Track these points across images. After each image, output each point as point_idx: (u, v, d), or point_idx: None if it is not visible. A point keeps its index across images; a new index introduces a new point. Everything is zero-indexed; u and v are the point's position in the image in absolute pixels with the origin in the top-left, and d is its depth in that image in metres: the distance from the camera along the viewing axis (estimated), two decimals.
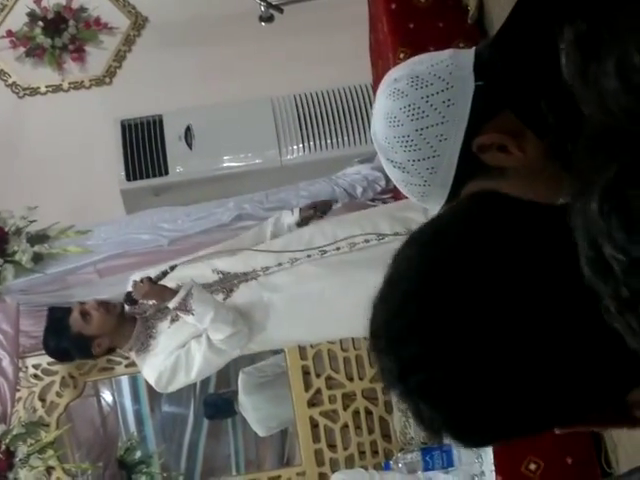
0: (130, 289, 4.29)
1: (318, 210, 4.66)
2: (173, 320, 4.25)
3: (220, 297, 4.28)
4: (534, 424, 1.09)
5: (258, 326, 4.29)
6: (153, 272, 4.29)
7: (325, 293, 4.26)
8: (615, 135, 0.90)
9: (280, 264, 4.30)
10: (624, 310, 0.89)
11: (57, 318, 4.31)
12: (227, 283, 4.31)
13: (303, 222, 4.54)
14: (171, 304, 4.14)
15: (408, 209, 4.30)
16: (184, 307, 4.12)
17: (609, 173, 0.88)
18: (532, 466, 4.07)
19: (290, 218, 4.56)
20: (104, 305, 4.26)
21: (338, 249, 4.29)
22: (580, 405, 1.07)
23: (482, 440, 1.17)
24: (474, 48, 1.66)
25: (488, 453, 4.17)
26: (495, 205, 1.15)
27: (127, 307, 4.37)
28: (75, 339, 4.30)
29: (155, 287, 4.18)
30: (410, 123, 1.62)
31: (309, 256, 4.29)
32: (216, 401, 6.56)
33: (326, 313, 4.28)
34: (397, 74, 1.67)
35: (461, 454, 4.42)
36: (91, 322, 4.24)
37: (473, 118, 1.60)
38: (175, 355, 4.22)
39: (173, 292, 4.14)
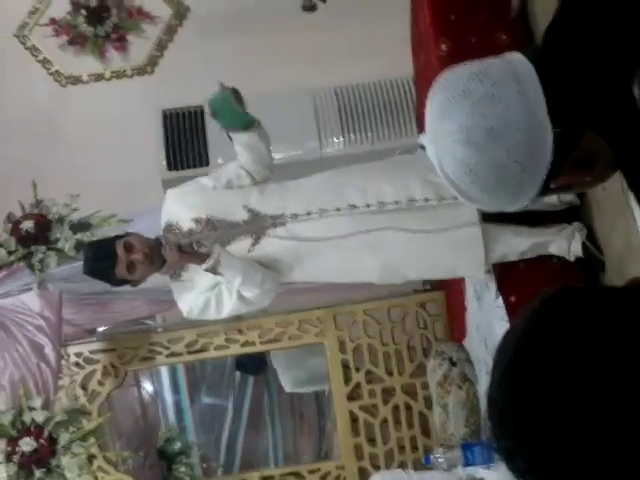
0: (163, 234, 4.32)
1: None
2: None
3: (249, 242, 4.28)
4: None
5: (284, 273, 4.34)
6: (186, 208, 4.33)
7: (351, 247, 4.27)
8: None
9: (309, 213, 4.30)
10: None
11: (102, 265, 4.23)
12: (255, 226, 4.30)
13: None
14: (200, 269, 4.17)
15: None
16: (214, 271, 4.17)
17: None
18: None
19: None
20: (149, 258, 4.21)
21: (368, 206, 4.29)
22: None
23: None
24: (536, 75, 1.62)
25: None
26: (567, 313, 1.17)
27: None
28: (118, 281, 4.32)
29: (183, 256, 4.21)
30: (490, 175, 1.62)
31: (338, 209, 4.29)
32: (248, 356, 6.57)
33: (351, 264, 4.33)
34: (464, 120, 1.63)
35: None
36: (135, 272, 4.23)
37: (552, 163, 1.62)
38: (206, 296, 4.29)
39: (202, 258, 4.18)
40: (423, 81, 5.25)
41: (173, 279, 4.37)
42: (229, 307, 4.29)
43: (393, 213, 4.27)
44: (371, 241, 4.26)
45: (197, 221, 4.28)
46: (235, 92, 4.28)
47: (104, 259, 4.24)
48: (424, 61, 5.35)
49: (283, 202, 4.33)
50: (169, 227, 4.36)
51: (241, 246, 4.29)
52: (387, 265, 4.33)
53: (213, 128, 6.15)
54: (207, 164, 6.10)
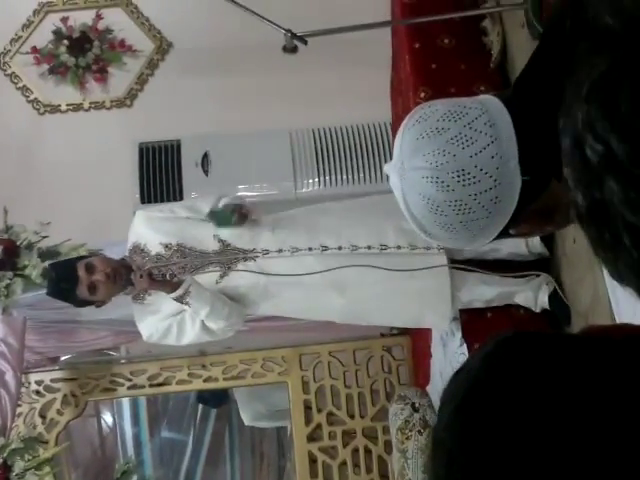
0: (129, 253, 4.32)
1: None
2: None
3: (217, 274, 4.29)
4: None
5: (251, 306, 4.38)
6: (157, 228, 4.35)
7: (319, 287, 4.30)
8: (611, 39, 0.93)
9: (280, 250, 4.32)
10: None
11: (64, 287, 4.23)
12: (225, 257, 4.31)
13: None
14: (170, 296, 4.17)
15: None
16: (182, 301, 4.16)
17: (600, 67, 0.91)
18: None
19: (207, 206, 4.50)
20: (112, 277, 4.19)
21: (340, 249, 4.31)
22: None
23: None
24: (510, 122, 1.64)
25: None
26: (522, 358, 1.16)
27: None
28: (81, 302, 4.30)
29: (154, 283, 4.20)
30: (455, 216, 1.63)
31: (310, 249, 4.31)
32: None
33: (318, 303, 4.37)
34: (435, 157, 1.63)
35: None
36: (97, 293, 4.21)
37: (517, 209, 1.63)
38: (168, 322, 4.28)
39: (172, 286, 4.17)
40: (400, 126, 5.30)
41: (136, 301, 4.36)
42: (191, 336, 4.30)
43: (363, 258, 4.30)
44: (339, 280, 4.28)
45: (167, 247, 4.29)
46: (240, 209, 4.32)
47: (65, 280, 4.24)
48: (402, 107, 5.40)
49: (256, 237, 4.36)
50: (136, 248, 4.36)
51: (209, 277, 4.29)
52: (352, 305, 4.36)
53: (188, 163, 6.19)
54: (181, 198, 6.11)
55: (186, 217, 4.43)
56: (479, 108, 1.65)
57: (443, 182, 1.60)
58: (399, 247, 4.32)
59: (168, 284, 4.22)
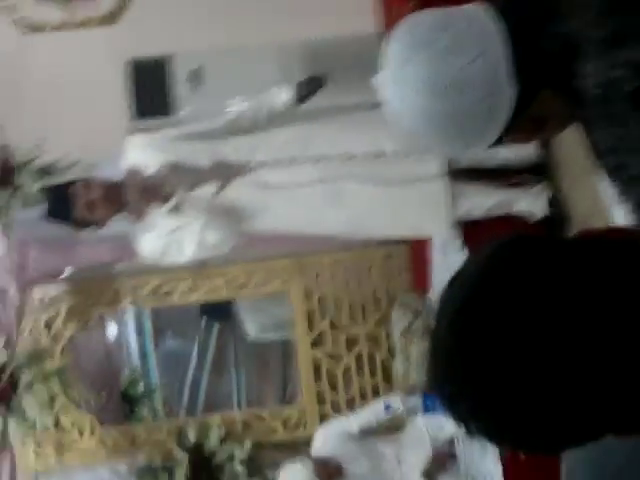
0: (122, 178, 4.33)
1: (310, 87, 4.61)
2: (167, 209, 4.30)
3: (214, 188, 4.33)
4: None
5: (249, 221, 4.38)
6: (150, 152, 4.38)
7: (316, 196, 4.33)
8: None
9: (277, 161, 4.35)
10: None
11: (62, 205, 4.28)
12: (222, 172, 4.35)
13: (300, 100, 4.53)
14: (163, 209, 4.19)
15: None
16: (176, 212, 4.19)
17: None
18: None
19: (283, 96, 4.55)
20: (109, 197, 4.25)
21: (337, 156, 4.33)
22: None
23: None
24: (500, 32, 1.62)
25: None
26: (513, 261, 1.20)
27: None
28: (78, 222, 4.33)
29: (147, 193, 4.22)
30: (447, 126, 1.63)
31: (307, 158, 4.34)
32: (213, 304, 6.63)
33: (316, 214, 4.38)
34: (426, 69, 1.62)
35: None
36: (95, 212, 4.24)
37: (510, 118, 1.64)
38: (167, 239, 4.31)
39: (166, 198, 4.19)
40: None
41: (134, 223, 4.40)
42: (189, 251, 4.31)
43: (361, 164, 4.31)
44: (337, 191, 4.29)
45: (162, 166, 4.28)
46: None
47: (63, 199, 4.27)
48: (392, 17, 5.38)
49: (251, 150, 4.37)
50: (132, 171, 4.36)
51: (206, 192, 4.31)
52: (351, 217, 4.36)
53: (179, 79, 6.16)
54: (172, 114, 6.10)
55: (180, 136, 4.44)
56: (468, 17, 1.64)
57: (435, 94, 1.61)
58: (396, 152, 4.33)
59: (162, 197, 4.24)
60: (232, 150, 4.35)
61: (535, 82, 1.61)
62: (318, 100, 6.12)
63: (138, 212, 4.35)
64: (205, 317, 6.70)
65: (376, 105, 4.77)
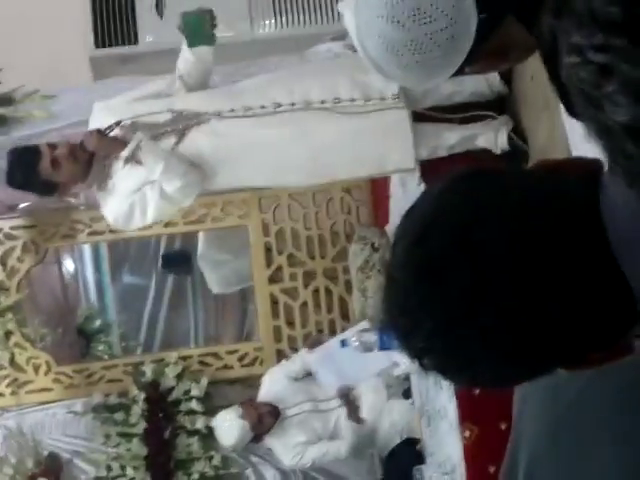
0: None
1: None
2: (127, 161, 4.23)
3: (172, 140, 4.26)
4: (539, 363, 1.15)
5: (208, 172, 4.29)
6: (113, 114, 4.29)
7: (275, 140, 4.25)
8: None
9: (233, 110, 4.27)
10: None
11: (25, 161, 4.20)
12: (179, 124, 4.27)
13: None
14: (121, 155, 4.13)
15: (369, 72, 4.27)
16: (134, 159, 4.13)
17: None
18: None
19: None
20: (73, 154, 4.17)
21: (293, 104, 4.27)
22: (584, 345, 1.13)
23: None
24: None
25: None
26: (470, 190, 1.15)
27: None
28: (42, 183, 4.26)
29: (104, 139, 4.16)
30: (411, 55, 1.60)
31: (263, 107, 4.27)
32: (175, 254, 6.58)
33: (276, 160, 4.29)
34: None
35: None
36: (60, 171, 4.19)
37: (473, 47, 1.61)
38: (130, 200, 4.22)
39: (123, 144, 4.14)
40: None
41: (99, 190, 4.31)
42: (153, 206, 4.19)
43: (318, 112, 4.25)
44: (297, 134, 4.23)
45: (121, 126, 4.19)
46: (211, 15, 4.21)
47: (27, 155, 4.21)
48: None
49: (207, 100, 4.30)
50: (94, 130, 4.29)
51: (165, 145, 4.24)
52: (315, 159, 4.29)
53: (143, 5, 6.04)
54: (135, 42, 5.99)
55: (142, 96, 4.38)
56: None
57: (399, 21, 1.58)
58: (353, 99, 4.27)
59: (119, 142, 4.16)
60: (188, 104, 4.28)
61: (499, 9, 1.56)
62: (283, 30, 6.05)
63: (100, 182, 4.27)
64: (166, 270, 6.64)
65: (338, 36, 4.69)
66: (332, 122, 4.24)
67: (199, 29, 4.22)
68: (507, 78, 4.45)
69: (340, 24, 5.73)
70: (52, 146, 4.20)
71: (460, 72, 1.67)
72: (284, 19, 6.03)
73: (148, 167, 4.13)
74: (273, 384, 5.18)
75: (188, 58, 4.28)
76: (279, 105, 4.26)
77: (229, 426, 5.07)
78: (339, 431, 5.10)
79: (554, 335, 1.10)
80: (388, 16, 1.58)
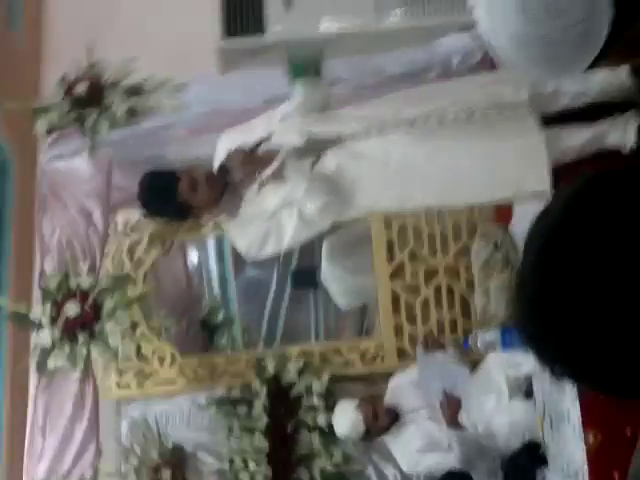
0: (223, 159, 4.29)
1: None
2: (261, 186, 4.23)
3: (308, 162, 4.26)
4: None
5: (346, 194, 4.28)
6: (244, 138, 4.29)
7: (411, 160, 4.22)
8: None
9: (368, 130, 4.25)
10: None
11: (164, 184, 4.31)
12: (314, 147, 4.27)
13: None
14: (266, 173, 4.14)
15: (500, 83, 4.24)
16: (279, 176, 4.12)
17: None
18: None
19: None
20: (211, 179, 4.26)
21: (427, 118, 4.22)
22: None
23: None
24: None
25: None
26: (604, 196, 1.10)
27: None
28: (179, 206, 4.34)
29: (250, 156, 4.18)
30: (543, 49, 1.56)
31: (397, 124, 4.23)
32: (303, 272, 6.58)
33: (412, 180, 4.26)
34: None
35: None
36: (197, 194, 4.27)
37: (605, 43, 1.60)
38: (266, 226, 4.24)
39: (267, 161, 4.14)
40: None
41: (229, 219, 4.36)
42: (291, 229, 4.21)
43: (453, 125, 4.19)
44: (432, 155, 4.18)
45: (259, 143, 4.21)
46: (320, 57, 4.24)
47: (166, 178, 4.34)
48: None
49: (340, 124, 4.31)
50: (232, 151, 4.33)
51: (303, 165, 4.24)
52: (448, 182, 4.23)
53: None
54: (263, 32, 6.03)
55: (267, 123, 4.40)
56: None
57: (532, 15, 1.58)
58: (486, 108, 4.21)
59: (264, 159, 4.18)
60: (322, 126, 4.30)
61: (634, 6, 1.51)
62: (409, 20, 6.00)
63: (232, 209, 4.33)
64: (296, 288, 6.66)
65: (467, 27, 4.61)
66: (466, 140, 4.18)
67: (306, 72, 4.22)
68: (636, 74, 4.31)
69: (467, 15, 5.68)
70: (190, 170, 4.32)
71: (591, 67, 1.62)
72: (411, 9, 5.97)
73: (292, 184, 4.13)
74: (396, 388, 5.22)
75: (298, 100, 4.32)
76: (413, 121, 4.21)
77: (344, 415, 5.16)
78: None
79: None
80: (522, 9, 1.58)
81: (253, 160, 4.20)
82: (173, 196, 4.28)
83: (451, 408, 4.82)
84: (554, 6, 1.52)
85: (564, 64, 1.60)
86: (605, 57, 1.60)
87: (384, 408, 5.08)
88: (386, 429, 5.15)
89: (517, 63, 1.65)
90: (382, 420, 5.10)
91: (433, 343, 5.05)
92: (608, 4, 1.51)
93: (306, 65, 4.28)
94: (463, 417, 4.87)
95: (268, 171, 4.14)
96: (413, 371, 5.24)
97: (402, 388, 5.17)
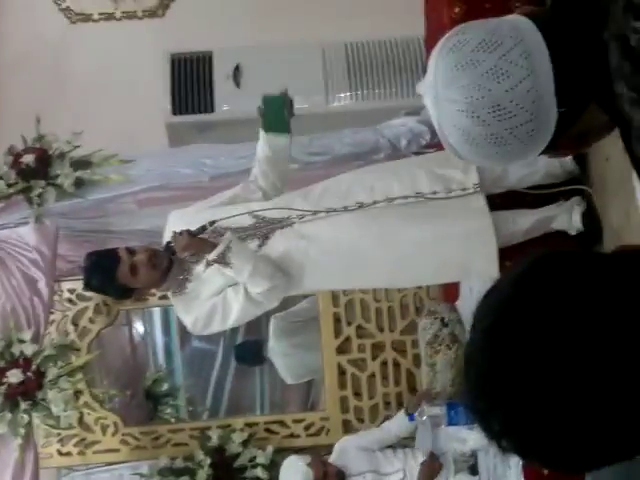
0: (169, 239, 4.26)
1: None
2: (209, 264, 4.23)
3: (255, 243, 4.26)
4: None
5: (294, 276, 4.28)
6: (190, 220, 4.29)
7: (360, 244, 4.25)
8: None
9: (316, 212, 4.28)
10: None
11: (104, 267, 4.23)
12: (262, 228, 4.29)
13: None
14: (210, 257, 4.13)
15: (448, 166, 4.29)
16: (222, 260, 4.12)
17: None
18: None
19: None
20: (152, 261, 4.20)
21: (375, 202, 4.27)
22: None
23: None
24: (547, 52, 1.59)
25: None
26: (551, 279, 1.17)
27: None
28: (119, 288, 4.30)
29: (194, 240, 4.13)
30: (491, 147, 1.61)
31: (345, 207, 4.27)
32: (247, 347, 6.61)
33: (361, 263, 4.28)
34: (470, 92, 1.60)
35: None
36: (138, 277, 4.20)
37: (554, 136, 1.62)
38: (212, 302, 4.22)
39: (212, 245, 4.11)
40: (433, 42, 5.21)
41: (175, 294, 4.33)
42: (237, 308, 4.20)
43: (401, 208, 4.24)
44: (380, 239, 4.22)
45: (204, 228, 4.16)
46: (290, 101, 4.26)
47: (106, 261, 4.24)
48: (436, 22, 5.33)
49: (289, 204, 4.31)
50: (176, 233, 4.25)
51: (245, 250, 4.24)
52: (397, 262, 4.26)
53: (220, 75, 6.15)
54: (212, 110, 6.10)
55: (217, 204, 4.41)
56: (514, 37, 1.61)
57: (479, 117, 1.59)
58: (435, 192, 4.26)
59: (208, 243, 4.15)
60: (269, 207, 4.30)
61: (580, 101, 1.58)
62: (358, 103, 6.13)
63: (179, 283, 4.29)
64: (239, 363, 6.68)
65: (413, 111, 4.70)
66: (415, 223, 4.21)
67: (279, 111, 4.24)
68: (580, 159, 4.45)
69: (414, 99, 5.83)
70: (131, 252, 4.23)
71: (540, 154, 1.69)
72: (359, 92, 6.10)
73: (236, 269, 4.12)
74: (342, 450, 5.20)
75: (263, 155, 4.32)
76: (361, 204, 4.26)
77: (294, 471, 5.09)
78: None
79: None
80: (468, 111, 1.60)
81: (197, 244, 4.16)
82: (114, 279, 4.23)
83: (431, 470, 4.85)
84: (500, 109, 1.59)
85: (514, 157, 1.67)
86: (554, 148, 1.68)
87: (334, 470, 5.07)
88: None
89: (466, 157, 1.72)
90: None
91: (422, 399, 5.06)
92: (553, 105, 1.58)
93: (282, 102, 4.28)
94: None
95: (212, 255, 4.11)
96: (359, 435, 5.29)
97: (349, 451, 5.16)
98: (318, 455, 5.24)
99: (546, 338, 1.10)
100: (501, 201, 4.47)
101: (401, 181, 4.31)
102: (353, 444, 5.22)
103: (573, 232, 4.44)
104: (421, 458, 5.01)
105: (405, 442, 5.21)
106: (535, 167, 4.40)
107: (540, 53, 1.58)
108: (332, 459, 5.17)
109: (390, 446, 5.21)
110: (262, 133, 4.32)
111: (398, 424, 5.15)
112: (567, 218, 4.44)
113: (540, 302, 1.13)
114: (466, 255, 4.28)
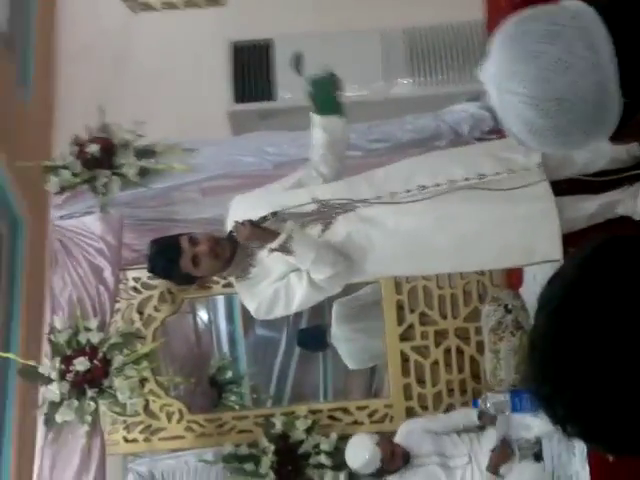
0: (231, 229, 4.27)
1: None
2: (275, 250, 4.24)
3: (318, 228, 4.26)
4: None
5: (356, 261, 4.26)
6: (252, 210, 4.29)
7: (423, 227, 4.22)
8: None
9: (379, 197, 4.26)
10: None
11: (167, 256, 4.24)
12: (325, 213, 4.29)
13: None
14: (272, 246, 4.13)
15: (510, 149, 4.26)
16: (285, 249, 4.12)
17: None
18: None
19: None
20: (214, 251, 4.20)
21: (438, 185, 4.24)
22: None
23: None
24: (611, 43, 1.55)
25: None
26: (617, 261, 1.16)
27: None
28: (183, 276, 4.33)
29: (256, 230, 4.15)
30: (554, 137, 1.60)
31: (408, 191, 4.25)
32: (310, 332, 6.62)
33: (423, 248, 4.25)
34: (533, 85, 1.58)
35: None
36: (200, 267, 4.22)
37: (618, 126, 1.60)
38: (275, 287, 4.22)
39: (274, 234, 4.12)
40: (493, 25, 5.16)
41: (239, 280, 4.34)
42: (300, 294, 4.20)
43: (464, 191, 4.22)
44: (442, 222, 4.20)
45: (265, 218, 4.19)
46: (336, 79, 4.24)
47: (169, 252, 4.26)
48: (495, 5, 5.29)
49: (351, 189, 4.30)
50: (238, 222, 4.28)
51: (311, 233, 4.24)
52: (460, 246, 4.24)
53: (281, 63, 6.17)
54: (274, 98, 6.12)
55: (281, 188, 4.42)
56: (575, 27, 1.57)
57: (542, 109, 1.57)
58: (497, 173, 4.24)
59: (270, 233, 4.15)
60: (332, 193, 4.30)
61: None
62: (418, 90, 6.10)
63: (242, 269, 4.31)
64: (302, 348, 6.71)
65: (474, 97, 4.66)
66: (477, 207, 4.19)
67: (329, 92, 4.23)
68: None
69: (475, 85, 5.78)
70: (193, 242, 4.24)
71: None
72: (419, 79, 6.07)
73: (299, 257, 4.12)
74: (407, 432, 5.28)
75: (320, 139, 4.30)
76: (424, 187, 4.24)
77: (362, 448, 5.17)
78: None
79: None
80: (531, 104, 1.58)
81: (259, 234, 4.17)
82: (177, 268, 4.26)
83: (501, 457, 4.86)
84: (563, 101, 1.56)
85: (576, 146, 1.65)
86: (618, 137, 1.65)
87: (401, 450, 5.12)
88: (395, 471, 5.20)
89: (529, 144, 1.70)
90: (397, 461, 5.16)
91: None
92: (618, 96, 1.55)
93: (330, 82, 4.26)
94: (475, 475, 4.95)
95: (275, 244, 4.12)
96: (426, 418, 5.38)
97: (414, 432, 5.23)
98: (386, 435, 5.28)
99: (611, 321, 1.09)
100: (567, 187, 4.42)
101: (464, 165, 4.29)
102: (419, 426, 5.29)
103: (638, 217, 4.38)
104: (486, 444, 5.00)
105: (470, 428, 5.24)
106: (601, 152, 4.34)
107: (603, 43, 1.55)
108: (397, 440, 5.24)
109: (456, 431, 5.25)
110: (315, 117, 4.30)
111: (465, 415, 5.19)
112: (632, 203, 4.37)
113: (605, 285, 1.13)
114: (529, 238, 4.22)
